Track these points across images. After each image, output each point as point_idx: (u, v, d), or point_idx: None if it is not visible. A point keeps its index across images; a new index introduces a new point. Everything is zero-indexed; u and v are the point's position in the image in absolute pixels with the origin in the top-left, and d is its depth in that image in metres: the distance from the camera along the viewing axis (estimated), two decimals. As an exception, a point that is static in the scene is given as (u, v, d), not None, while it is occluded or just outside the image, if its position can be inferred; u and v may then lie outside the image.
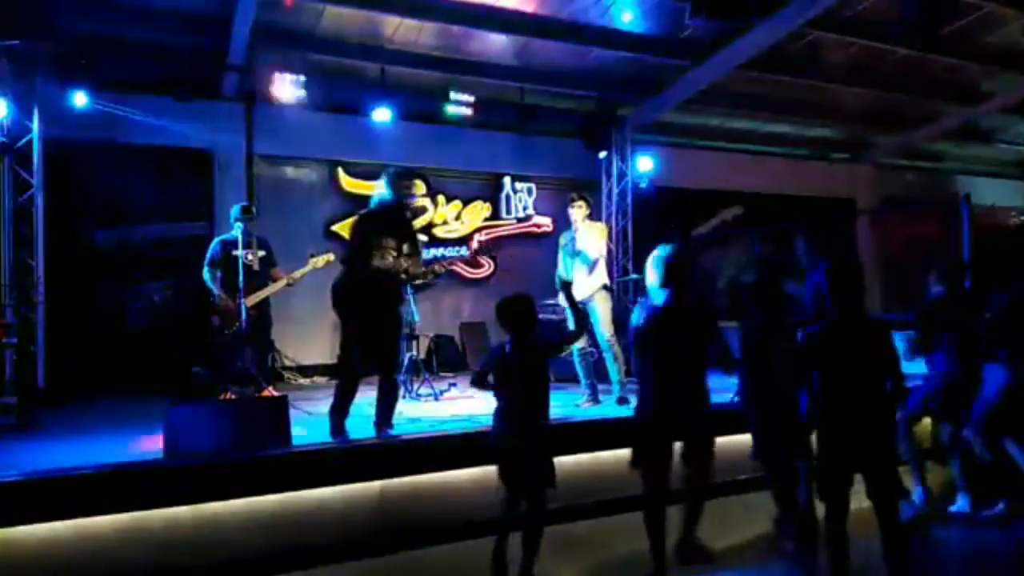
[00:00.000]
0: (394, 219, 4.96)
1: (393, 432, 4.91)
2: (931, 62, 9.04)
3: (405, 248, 4.93)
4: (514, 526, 3.56)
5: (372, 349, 4.85)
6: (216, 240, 6.32)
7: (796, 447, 3.88)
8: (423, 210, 5.07)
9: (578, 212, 6.18)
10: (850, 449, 3.14)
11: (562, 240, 6.36)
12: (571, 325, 6.02)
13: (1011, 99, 10.30)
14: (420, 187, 5.04)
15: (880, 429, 3.17)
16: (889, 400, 3.23)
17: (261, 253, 6.17)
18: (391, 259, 4.83)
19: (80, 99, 7.07)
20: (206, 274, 6.14)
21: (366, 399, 4.92)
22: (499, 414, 3.63)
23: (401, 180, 5.02)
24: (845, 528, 3.15)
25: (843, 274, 3.26)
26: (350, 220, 6.29)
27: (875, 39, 8.35)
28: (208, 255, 6.18)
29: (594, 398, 6.17)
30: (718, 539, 3.89)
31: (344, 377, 4.92)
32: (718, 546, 3.84)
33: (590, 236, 6.12)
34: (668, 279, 3.52)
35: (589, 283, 6.06)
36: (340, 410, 4.81)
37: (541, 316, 7.90)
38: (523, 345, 3.57)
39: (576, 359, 6.22)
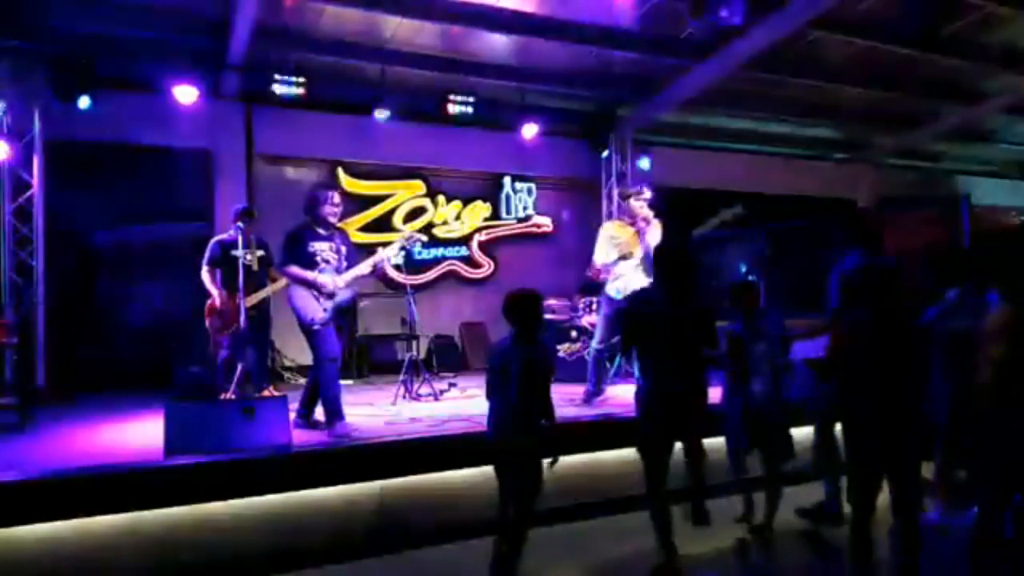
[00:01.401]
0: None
1: (337, 432, 4.96)
2: (931, 62, 9.03)
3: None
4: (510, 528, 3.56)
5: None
6: (215, 240, 6.31)
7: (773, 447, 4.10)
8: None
9: (644, 207, 5.81)
10: (881, 450, 3.11)
11: (611, 231, 5.96)
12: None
13: (1011, 99, 10.29)
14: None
15: (910, 431, 3.13)
16: (919, 403, 3.18)
17: (260, 253, 6.17)
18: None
19: (80, 99, 7.06)
20: (205, 274, 6.14)
21: (372, 401, 4.90)
22: (497, 410, 3.56)
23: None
24: (870, 528, 3.15)
25: (876, 272, 3.25)
26: (348, 221, 6.40)
27: (875, 39, 8.33)
28: (207, 255, 6.17)
29: (597, 396, 6.15)
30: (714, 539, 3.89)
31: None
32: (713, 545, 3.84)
33: (657, 234, 5.74)
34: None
35: (642, 283, 5.62)
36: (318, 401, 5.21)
37: (541, 316, 8.06)
38: (526, 341, 3.50)
39: (591, 358, 6.18)
